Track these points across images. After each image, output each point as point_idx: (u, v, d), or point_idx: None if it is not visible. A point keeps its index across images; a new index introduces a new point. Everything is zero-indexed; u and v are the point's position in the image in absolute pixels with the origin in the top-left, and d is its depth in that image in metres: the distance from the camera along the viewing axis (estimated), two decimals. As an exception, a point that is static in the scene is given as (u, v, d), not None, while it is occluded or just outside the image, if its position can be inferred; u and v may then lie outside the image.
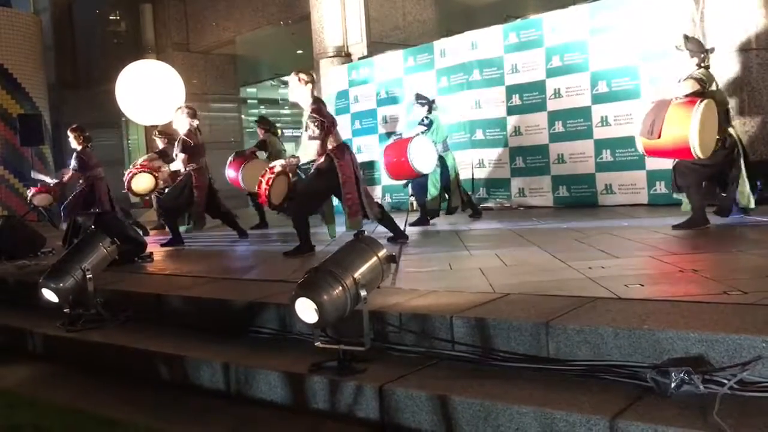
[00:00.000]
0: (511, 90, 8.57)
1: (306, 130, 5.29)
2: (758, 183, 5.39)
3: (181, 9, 15.96)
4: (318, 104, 5.41)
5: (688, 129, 4.66)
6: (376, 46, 10.98)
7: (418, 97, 7.55)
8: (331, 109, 5.45)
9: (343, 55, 11.15)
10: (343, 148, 5.42)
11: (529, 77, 8.38)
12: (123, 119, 16.33)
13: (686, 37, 5.31)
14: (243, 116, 19.18)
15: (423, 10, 11.97)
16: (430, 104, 7.45)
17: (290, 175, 5.73)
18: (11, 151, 14.05)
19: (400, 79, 9.86)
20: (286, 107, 24.12)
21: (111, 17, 18.32)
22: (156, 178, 7.97)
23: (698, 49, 5.19)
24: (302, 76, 5.45)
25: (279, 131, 9.86)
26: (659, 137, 4.78)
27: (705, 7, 6.83)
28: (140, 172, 7.85)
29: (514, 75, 8.53)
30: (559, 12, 8.18)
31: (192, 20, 15.86)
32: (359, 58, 10.90)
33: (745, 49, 6.79)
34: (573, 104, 7.99)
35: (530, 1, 12.61)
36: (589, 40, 7.78)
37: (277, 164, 5.60)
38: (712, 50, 5.27)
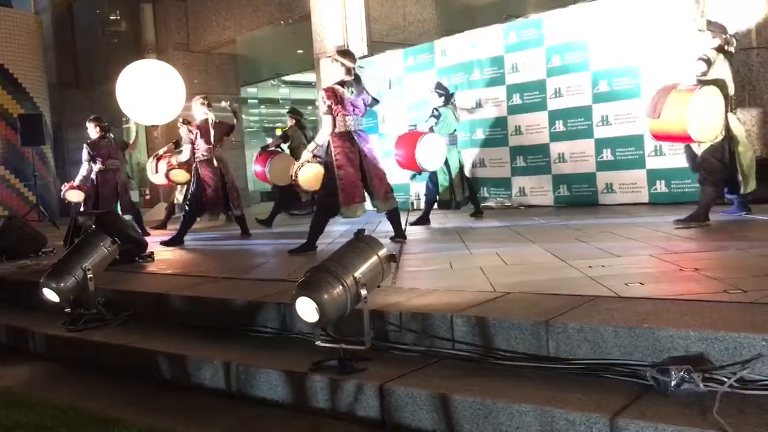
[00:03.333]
0: (511, 89, 8.58)
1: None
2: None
3: (181, 9, 15.95)
4: (337, 84, 5.40)
5: (686, 112, 4.78)
6: (376, 45, 10.97)
7: (438, 86, 7.58)
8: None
9: (344, 55, 11.13)
10: (345, 135, 5.35)
11: (529, 76, 8.38)
12: (124, 119, 16.34)
13: (709, 21, 5.38)
14: (244, 116, 19.17)
15: (423, 10, 11.97)
16: (447, 96, 7.48)
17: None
18: (12, 151, 14.06)
19: (401, 79, 9.86)
20: (287, 107, 24.11)
21: (111, 17, 18.32)
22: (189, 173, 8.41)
23: (721, 30, 5.22)
24: (336, 56, 5.49)
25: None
26: (659, 117, 4.90)
27: (705, 6, 6.83)
28: (177, 168, 8.69)
29: (514, 74, 8.54)
30: (560, 11, 8.19)
31: (192, 20, 15.85)
32: (359, 58, 10.88)
33: (745, 48, 6.78)
34: (573, 103, 7.99)
35: (531, 1, 12.60)
36: (590, 39, 7.79)
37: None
38: (735, 36, 5.32)
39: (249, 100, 22.04)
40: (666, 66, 6.67)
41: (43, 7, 18.04)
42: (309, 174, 7.05)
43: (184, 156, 7.45)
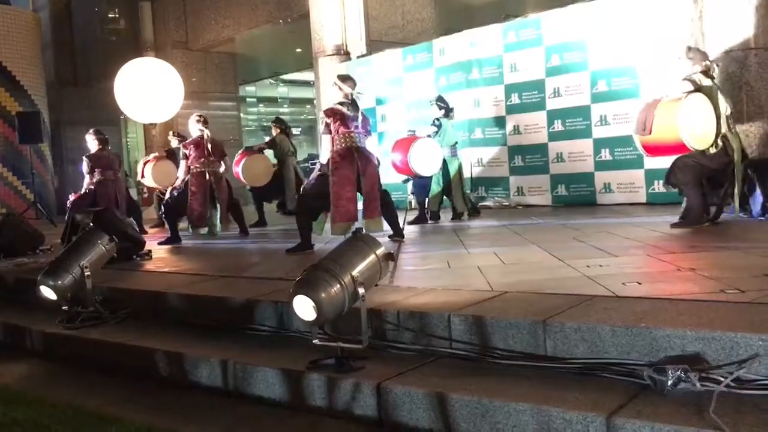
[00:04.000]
0: (510, 89, 8.58)
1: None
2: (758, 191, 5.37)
3: (180, 7, 15.94)
4: (337, 104, 5.52)
5: (676, 121, 4.75)
6: (375, 44, 10.99)
7: (439, 99, 7.63)
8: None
9: (342, 54, 11.14)
10: (346, 153, 5.38)
11: (528, 76, 8.39)
12: (122, 117, 16.33)
13: (689, 48, 5.37)
14: (242, 114, 19.17)
15: (422, 9, 11.98)
16: (447, 110, 7.52)
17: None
18: (10, 149, 14.04)
19: (400, 78, 9.86)
20: (285, 105, 24.11)
21: (110, 15, 18.32)
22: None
23: (701, 57, 5.23)
24: (336, 80, 5.65)
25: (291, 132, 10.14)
26: (650, 133, 4.88)
27: (704, 6, 6.83)
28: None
29: (513, 74, 8.54)
30: (559, 11, 8.19)
31: (191, 18, 15.84)
32: (358, 57, 10.90)
33: (743, 49, 6.79)
34: (572, 103, 7.99)
35: (529, 0, 12.61)
36: (589, 39, 7.79)
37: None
38: (717, 63, 5.38)
39: (248, 99, 22.05)
40: (664, 66, 6.67)
41: (42, 5, 18.00)
42: None
43: (180, 175, 7.52)
